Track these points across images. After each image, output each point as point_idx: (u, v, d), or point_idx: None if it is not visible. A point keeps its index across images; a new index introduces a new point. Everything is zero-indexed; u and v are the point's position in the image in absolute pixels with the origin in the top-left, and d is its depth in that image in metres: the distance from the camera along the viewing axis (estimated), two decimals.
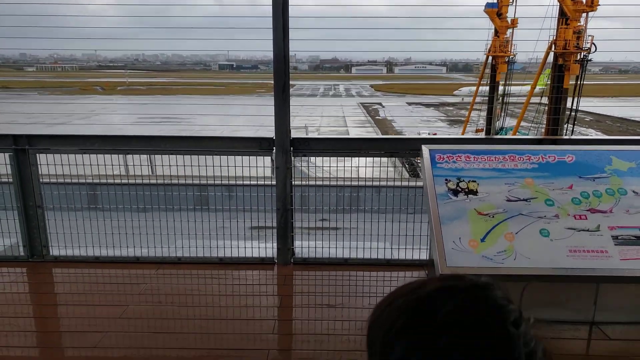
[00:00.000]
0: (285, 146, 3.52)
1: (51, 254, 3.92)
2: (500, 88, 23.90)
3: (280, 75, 3.42)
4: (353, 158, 3.91)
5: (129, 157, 3.97)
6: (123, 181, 4.21)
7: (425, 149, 3.17)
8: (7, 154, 3.73)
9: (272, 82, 3.41)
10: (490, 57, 25.03)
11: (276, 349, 2.78)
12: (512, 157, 3.16)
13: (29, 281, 3.81)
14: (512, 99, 23.90)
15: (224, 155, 3.73)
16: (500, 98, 23.69)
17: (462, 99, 60.70)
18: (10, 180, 3.81)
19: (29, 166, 3.73)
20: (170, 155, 3.71)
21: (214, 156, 3.72)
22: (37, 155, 3.75)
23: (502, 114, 23.91)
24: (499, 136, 19.33)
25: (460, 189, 3.00)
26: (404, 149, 3.52)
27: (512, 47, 24.78)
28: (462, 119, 35.49)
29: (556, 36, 18.60)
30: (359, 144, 3.67)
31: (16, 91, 74.41)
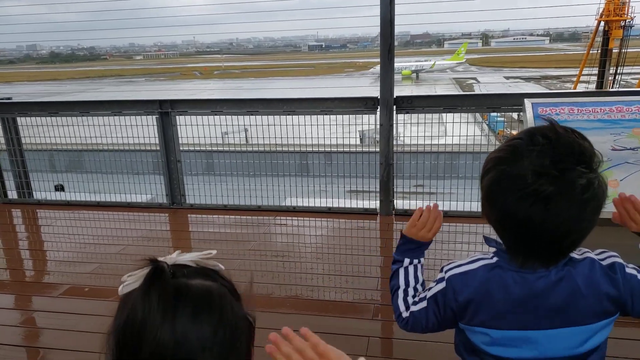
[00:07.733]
0: (390, 104, 3.82)
1: (187, 202, 4.64)
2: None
3: (387, 37, 3.71)
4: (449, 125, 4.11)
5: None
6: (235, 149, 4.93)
7: (527, 102, 3.29)
8: (154, 117, 4.47)
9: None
10: (602, 23, 22.84)
11: (382, 277, 3.16)
12: (619, 109, 3.17)
13: (170, 222, 4.57)
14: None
15: (333, 114, 4.15)
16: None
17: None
18: (151, 146, 4.56)
19: (171, 126, 4.43)
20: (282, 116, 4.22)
21: (324, 116, 4.14)
22: (177, 117, 4.45)
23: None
24: (610, 89, 17.63)
25: None
26: (506, 105, 3.64)
27: (630, 10, 22.37)
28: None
29: None
30: (460, 100, 3.85)
31: (127, 77, 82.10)
